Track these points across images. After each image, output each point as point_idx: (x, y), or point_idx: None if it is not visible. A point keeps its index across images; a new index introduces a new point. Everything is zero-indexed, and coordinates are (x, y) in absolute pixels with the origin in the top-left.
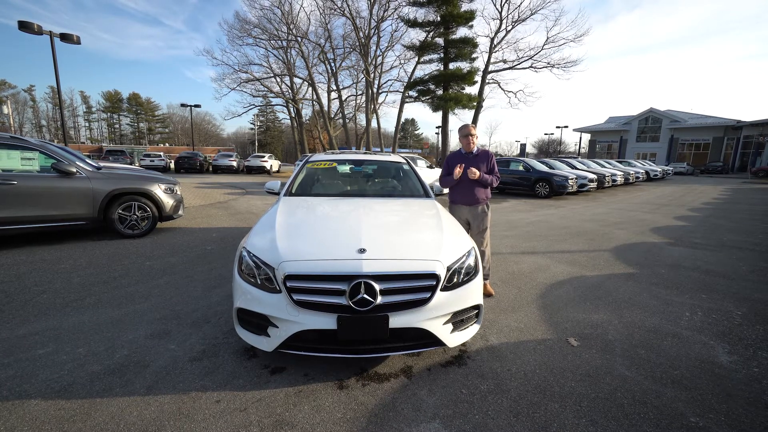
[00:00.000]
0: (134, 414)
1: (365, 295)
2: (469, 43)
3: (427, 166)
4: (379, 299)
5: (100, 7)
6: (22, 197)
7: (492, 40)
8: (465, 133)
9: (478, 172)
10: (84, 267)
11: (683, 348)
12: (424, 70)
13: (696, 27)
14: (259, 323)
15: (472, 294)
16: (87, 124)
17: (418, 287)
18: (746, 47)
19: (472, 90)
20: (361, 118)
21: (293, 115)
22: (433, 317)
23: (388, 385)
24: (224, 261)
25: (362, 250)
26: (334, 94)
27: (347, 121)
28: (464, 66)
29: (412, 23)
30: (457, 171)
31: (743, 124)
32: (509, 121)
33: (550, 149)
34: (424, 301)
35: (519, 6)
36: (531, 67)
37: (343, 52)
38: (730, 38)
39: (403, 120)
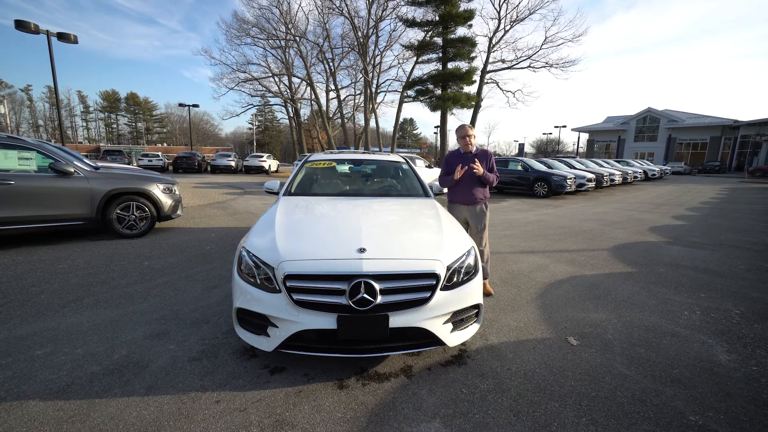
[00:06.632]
0: (133, 415)
1: (365, 295)
2: (468, 43)
3: (426, 166)
4: (379, 299)
5: (96, 6)
6: (20, 197)
7: (490, 39)
8: (462, 134)
9: (481, 168)
10: (82, 267)
11: (682, 347)
12: (423, 69)
13: (691, 26)
14: (259, 323)
15: (471, 293)
16: (84, 124)
17: (418, 287)
18: (742, 46)
19: (470, 89)
20: (360, 118)
21: (291, 115)
22: (433, 317)
23: (388, 384)
24: (223, 261)
25: (362, 250)
26: (332, 94)
27: (346, 120)
28: (463, 65)
29: (411, 23)
30: (458, 171)
31: (740, 124)
32: (508, 120)
33: (548, 149)
34: (424, 301)
35: (517, 6)
36: (529, 66)
37: (341, 51)
38: (726, 37)
39: (401, 120)
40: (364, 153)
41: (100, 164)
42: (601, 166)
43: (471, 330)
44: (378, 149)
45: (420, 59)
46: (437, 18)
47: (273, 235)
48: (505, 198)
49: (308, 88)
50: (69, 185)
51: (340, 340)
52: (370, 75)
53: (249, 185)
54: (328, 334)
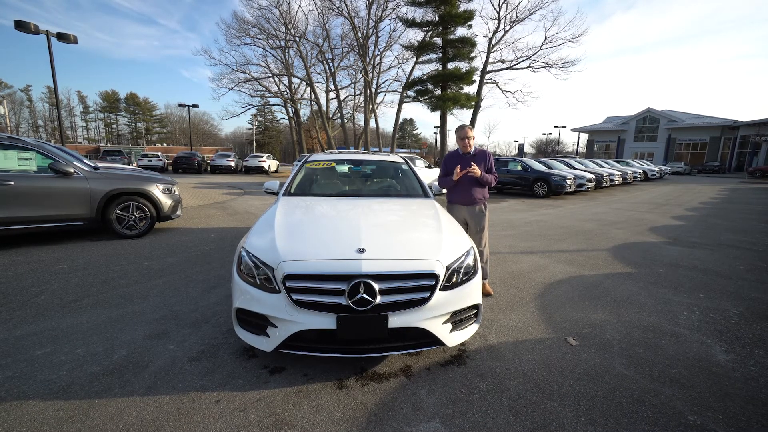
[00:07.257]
0: (133, 414)
1: (364, 295)
2: (468, 43)
3: (426, 166)
4: (379, 299)
5: (95, 6)
6: (20, 197)
7: (490, 40)
8: (462, 135)
9: (478, 170)
10: (82, 267)
11: (681, 347)
12: (423, 70)
13: (692, 26)
14: (259, 323)
15: (471, 293)
16: (84, 124)
17: (418, 287)
18: (742, 46)
19: (470, 90)
20: (360, 118)
21: (291, 115)
22: (433, 317)
23: (387, 384)
24: (223, 261)
25: (361, 250)
26: (332, 94)
27: (346, 121)
28: (463, 66)
29: (411, 23)
30: (457, 171)
31: (740, 124)
32: (507, 121)
33: (548, 149)
34: (424, 301)
35: (517, 6)
36: (529, 67)
37: (341, 52)
38: (726, 37)
39: (401, 120)
40: (363, 153)
41: (99, 164)
42: (601, 166)
43: (470, 330)
44: (378, 149)
45: (420, 59)
46: (437, 18)
47: (272, 236)
48: (505, 198)
49: (308, 88)
50: (69, 185)
51: (340, 340)
52: (370, 75)
53: (249, 185)
54: (327, 334)
